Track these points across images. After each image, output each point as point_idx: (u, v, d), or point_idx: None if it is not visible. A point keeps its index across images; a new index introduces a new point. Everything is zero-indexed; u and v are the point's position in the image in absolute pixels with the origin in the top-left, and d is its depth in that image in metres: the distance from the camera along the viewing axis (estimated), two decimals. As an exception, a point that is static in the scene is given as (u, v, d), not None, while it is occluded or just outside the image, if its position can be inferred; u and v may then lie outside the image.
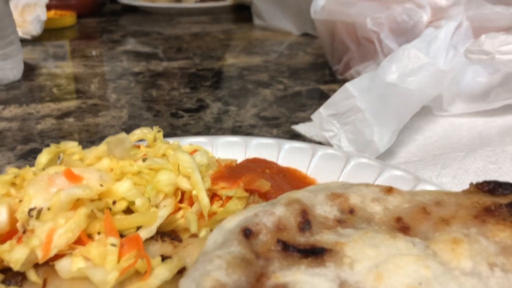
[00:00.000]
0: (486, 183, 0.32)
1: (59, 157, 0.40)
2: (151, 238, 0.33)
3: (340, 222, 0.30)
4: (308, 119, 0.63)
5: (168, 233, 0.34)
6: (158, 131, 0.42)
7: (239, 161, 0.45)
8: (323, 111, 0.52)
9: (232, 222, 0.29)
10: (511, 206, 0.30)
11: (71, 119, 0.64)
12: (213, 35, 1.16)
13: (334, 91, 0.74)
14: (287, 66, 0.88)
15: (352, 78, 0.77)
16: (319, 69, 0.86)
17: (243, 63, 0.91)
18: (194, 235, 0.35)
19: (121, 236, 0.32)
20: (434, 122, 0.60)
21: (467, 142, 0.52)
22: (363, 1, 0.78)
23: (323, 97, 0.73)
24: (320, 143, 0.55)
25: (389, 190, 0.33)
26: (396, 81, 0.56)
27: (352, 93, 0.50)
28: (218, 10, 1.39)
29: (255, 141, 0.47)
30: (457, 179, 0.42)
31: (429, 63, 0.59)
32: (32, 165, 0.41)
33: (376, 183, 0.41)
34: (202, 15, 1.38)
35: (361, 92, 0.51)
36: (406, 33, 0.72)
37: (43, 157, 0.38)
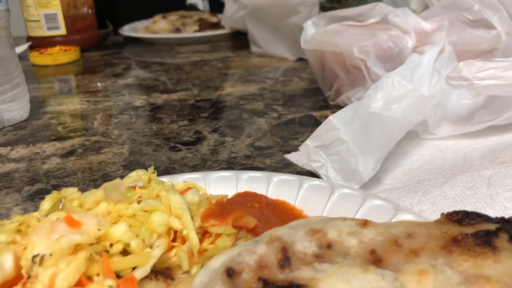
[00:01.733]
0: (456, 213, 0.35)
1: (61, 201, 0.43)
2: (146, 277, 0.35)
3: (318, 257, 0.33)
4: (300, 147, 0.66)
5: (161, 272, 0.37)
6: (153, 172, 0.45)
7: (230, 195, 0.47)
8: (310, 143, 0.54)
9: (217, 262, 0.32)
10: (476, 236, 0.32)
11: (74, 158, 0.67)
12: (211, 64, 1.19)
13: (326, 117, 0.77)
14: (281, 93, 0.91)
15: (343, 103, 0.80)
16: (313, 95, 0.89)
17: (240, 92, 0.94)
18: (187, 272, 0.38)
19: (119, 276, 0.35)
20: (421, 145, 0.63)
21: (450, 166, 0.54)
22: (350, 29, 0.81)
23: (316, 124, 0.75)
24: (310, 172, 0.58)
25: (364, 223, 0.35)
26: (380, 110, 0.59)
27: (335, 125, 0.53)
28: (217, 38, 1.43)
29: (245, 175, 0.50)
30: (435, 206, 0.44)
31: (412, 90, 0.62)
32: (38, 205, 0.44)
33: (358, 213, 0.43)
34: (201, 43, 1.42)
35: (344, 123, 0.53)
36: (392, 59, 0.75)
37: (46, 204, 0.41)
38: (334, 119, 0.52)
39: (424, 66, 0.67)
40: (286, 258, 0.32)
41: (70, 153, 0.69)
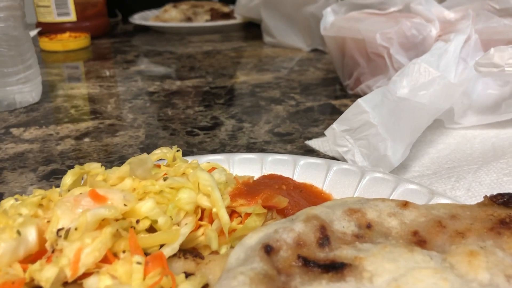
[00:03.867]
0: (500, 195, 0.33)
1: (82, 178, 0.41)
2: (174, 255, 0.34)
3: (358, 237, 0.31)
4: (321, 134, 0.64)
5: (190, 251, 0.35)
6: (177, 151, 0.44)
7: (255, 177, 0.46)
8: (336, 126, 0.52)
9: (253, 239, 0.30)
10: (526, 218, 0.31)
11: (89, 140, 0.65)
12: (224, 53, 1.18)
13: (346, 106, 0.75)
14: (298, 82, 0.90)
15: (363, 92, 0.78)
16: (330, 85, 0.87)
17: (255, 80, 0.92)
18: (215, 252, 0.36)
19: (145, 254, 0.33)
20: (447, 135, 0.61)
21: (481, 154, 0.53)
22: (371, 16, 0.79)
23: (335, 112, 0.74)
24: (334, 158, 0.56)
25: (404, 204, 0.33)
26: (407, 96, 0.57)
27: (364, 108, 0.51)
28: (229, 28, 1.42)
29: (271, 157, 0.48)
30: (471, 191, 0.42)
31: (439, 77, 0.60)
32: (53, 185, 0.42)
33: (391, 198, 0.41)
34: (212, 33, 1.41)
35: (373, 107, 0.52)
36: (415, 48, 0.73)
37: (67, 178, 0.39)
38: (363, 102, 0.51)
39: (451, 54, 0.65)
40: (325, 237, 0.30)
41: (85, 135, 0.67)
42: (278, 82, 0.90)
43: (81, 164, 0.57)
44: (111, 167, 0.57)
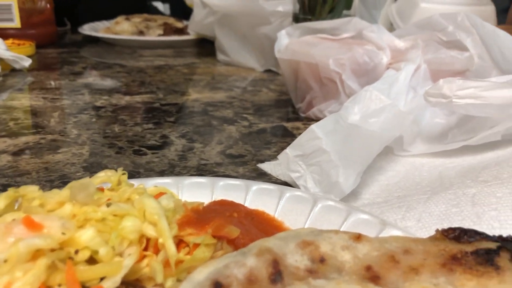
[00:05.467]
0: (452, 230, 0.33)
1: (17, 201, 0.38)
2: (116, 289, 0.31)
3: (311, 272, 0.30)
4: (273, 157, 0.63)
5: (133, 283, 0.33)
6: (123, 174, 0.41)
7: (206, 203, 0.44)
8: (289, 152, 0.52)
9: (202, 274, 0.28)
10: (476, 254, 0.31)
11: (28, 156, 0.61)
12: (176, 69, 1.16)
13: (298, 128, 0.75)
14: (251, 103, 0.89)
15: (315, 116, 0.79)
16: (283, 106, 0.87)
17: (207, 99, 0.91)
18: (160, 285, 0.34)
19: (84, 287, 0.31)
20: (396, 162, 0.62)
21: (429, 183, 0.53)
22: (325, 41, 0.80)
23: (287, 134, 0.73)
24: (286, 182, 0.56)
25: (358, 237, 0.33)
26: (359, 122, 0.58)
27: (317, 134, 0.51)
28: (181, 44, 1.40)
29: (222, 182, 0.47)
30: (421, 222, 0.42)
31: (390, 105, 0.61)
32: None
33: (343, 227, 0.41)
34: (165, 48, 1.38)
35: (326, 133, 0.52)
36: (367, 74, 0.74)
37: (0, 203, 0.36)
38: (316, 128, 0.50)
39: (401, 82, 0.66)
40: (277, 272, 0.29)
41: (23, 150, 0.63)
42: (231, 102, 0.89)
43: (17, 183, 0.54)
44: (51, 187, 0.53)
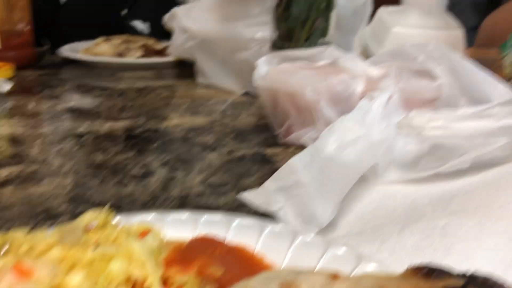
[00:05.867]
0: (421, 268, 0.35)
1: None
2: (104, 333, 0.33)
3: (291, 312, 0.32)
4: (253, 186, 0.65)
5: (120, 326, 0.34)
6: (109, 214, 0.42)
7: (188, 239, 0.46)
8: (269, 185, 0.54)
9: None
10: (445, 291, 0.33)
11: (10, 189, 0.62)
12: (157, 91, 1.17)
13: (277, 155, 0.77)
14: (231, 128, 0.91)
15: (294, 142, 0.81)
16: (262, 131, 0.89)
17: (189, 123, 0.92)
18: (147, 325, 0.36)
19: (73, 332, 0.32)
20: (371, 190, 0.64)
21: (403, 211, 0.56)
22: (302, 70, 0.83)
23: (267, 162, 0.75)
24: (266, 214, 0.57)
25: (334, 276, 0.35)
26: (335, 153, 0.60)
27: (296, 167, 0.53)
28: (161, 65, 1.41)
29: (204, 218, 0.48)
30: (395, 254, 0.45)
31: (365, 134, 0.64)
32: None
33: (321, 262, 0.43)
34: (145, 70, 1.40)
35: (304, 166, 0.54)
36: (342, 102, 0.77)
37: (-13, 248, 0.37)
38: (294, 162, 0.53)
39: (374, 112, 0.69)
40: (260, 314, 0.31)
41: (3, 183, 0.64)
42: (212, 127, 0.91)
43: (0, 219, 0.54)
44: (35, 222, 0.54)
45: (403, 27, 1.22)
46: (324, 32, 0.91)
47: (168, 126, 0.91)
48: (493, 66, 1.12)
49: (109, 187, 0.64)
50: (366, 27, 1.47)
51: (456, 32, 1.25)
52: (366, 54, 1.38)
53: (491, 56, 1.19)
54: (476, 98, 0.75)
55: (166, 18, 1.28)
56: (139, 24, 2.31)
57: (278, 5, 0.91)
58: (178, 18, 1.19)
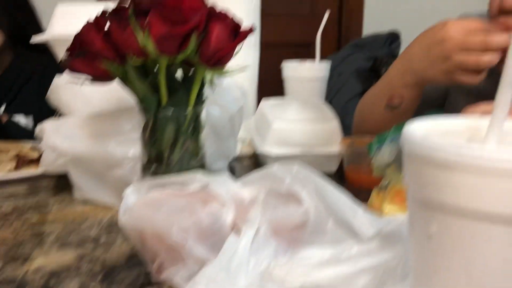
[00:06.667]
0: None
1: None
2: None
3: None
4: None
5: None
6: None
7: None
8: None
9: None
10: None
11: None
12: (25, 217, 1.07)
13: (148, 302, 0.72)
14: (101, 264, 0.84)
15: (167, 279, 0.76)
16: (135, 266, 0.84)
17: (53, 264, 0.84)
18: None
19: None
20: None
21: None
22: (170, 201, 0.80)
23: (136, 311, 0.69)
24: None
25: None
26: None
27: None
28: (36, 177, 1.32)
29: None
30: None
31: (231, 284, 0.61)
32: None
33: None
34: (17, 184, 1.29)
35: None
36: (212, 236, 0.74)
37: None
38: None
39: (241, 253, 0.67)
40: None
41: None
42: (80, 266, 0.84)
43: None
44: None
45: (281, 122, 1.25)
46: (195, 152, 0.90)
47: (29, 271, 0.82)
48: (366, 160, 1.17)
49: None
50: (251, 118, 1.50)
51: (332, 124, 1.31)
52: (252, 146, 1.40)
53: (365, 147, 1.24)
54: (342, 220, 0.76)
55: (37, 131, 1.20)
56: (22, 119, 2.19)
57: (144, 129, 0.88)
58: (46, 135, 1.12)
